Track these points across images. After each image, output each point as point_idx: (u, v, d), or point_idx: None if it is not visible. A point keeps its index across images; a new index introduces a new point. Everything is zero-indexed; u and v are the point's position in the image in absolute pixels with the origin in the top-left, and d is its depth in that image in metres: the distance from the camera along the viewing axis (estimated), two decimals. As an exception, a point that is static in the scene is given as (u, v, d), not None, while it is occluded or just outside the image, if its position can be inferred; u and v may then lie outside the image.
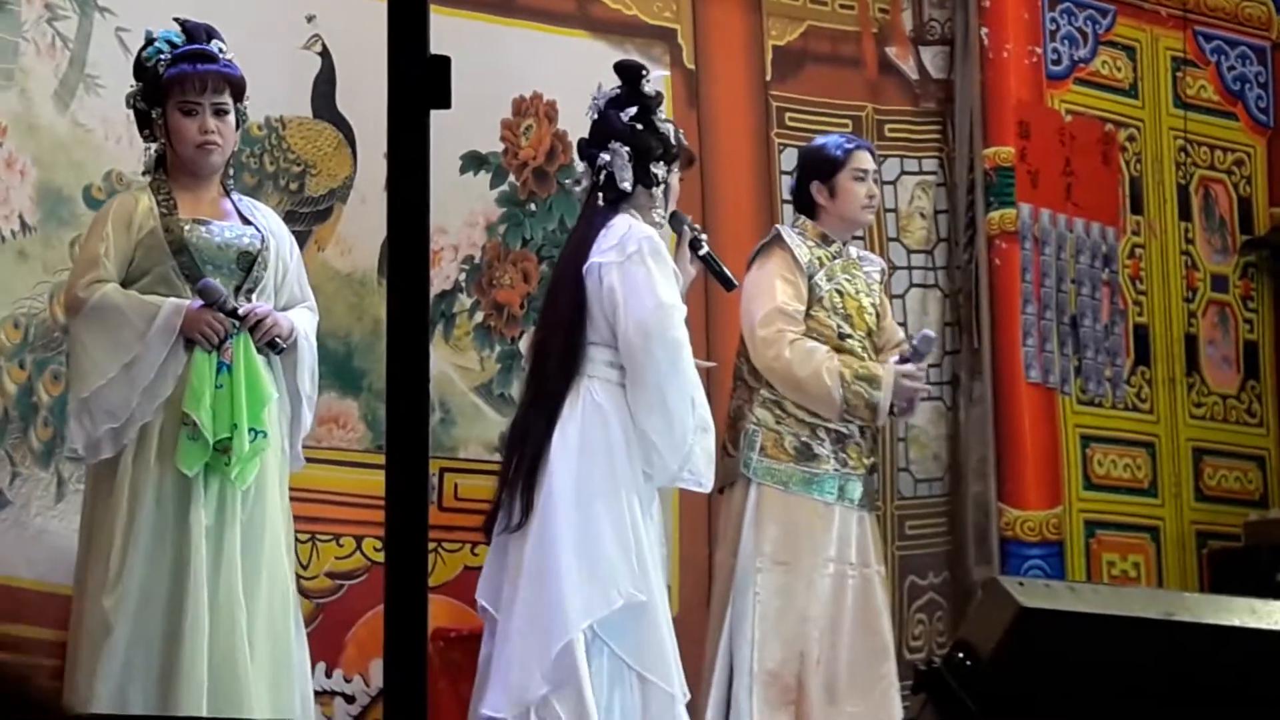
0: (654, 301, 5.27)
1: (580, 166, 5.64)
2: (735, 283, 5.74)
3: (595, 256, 5.36)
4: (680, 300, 5.38)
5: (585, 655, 5.10)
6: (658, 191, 5.51)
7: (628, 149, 5.46)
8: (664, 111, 5.63)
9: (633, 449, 5.28)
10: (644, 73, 5.59)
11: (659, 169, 5.50)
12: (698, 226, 5.74)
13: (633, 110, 5.52)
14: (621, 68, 5.64)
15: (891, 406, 5.86)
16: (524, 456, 5.31)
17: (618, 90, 5.58)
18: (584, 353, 5.34)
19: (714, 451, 5.42)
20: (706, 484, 5.42)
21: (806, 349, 5.78)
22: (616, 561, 5.16)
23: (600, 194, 5.48)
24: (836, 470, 5.81)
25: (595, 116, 5.59)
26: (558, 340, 5.42)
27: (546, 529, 5.17)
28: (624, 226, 5.39)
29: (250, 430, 4.67)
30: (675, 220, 5.68)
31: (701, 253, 5.66)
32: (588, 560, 5.15)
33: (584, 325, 5.36)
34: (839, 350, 5.83)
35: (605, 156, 5.49)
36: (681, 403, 5.26)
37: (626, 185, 5.45)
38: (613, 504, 5.21)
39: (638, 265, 5.31)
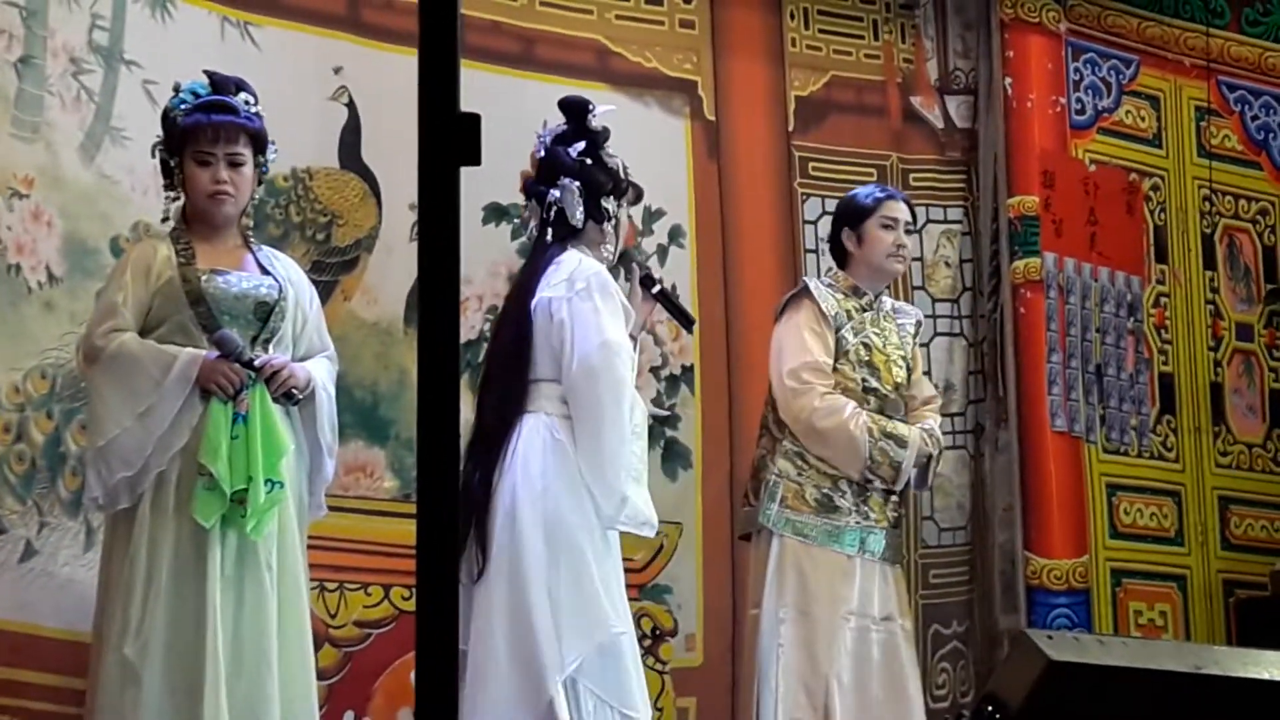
0: (600, 339, 5.14)
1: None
2: (693, 319, 5.69)
3: (544, 291, 5.24)
4: (628, 339, 5.26)
5: (567, 700, 5.02)
6: (608, 227, 5.40)
7: (578, 184, 5.35)
8: (611, 146, 5.50)
9: (565, 472, 5.15)
10: (590, 108, 5.47)
11: (609, 204, 5.40)
12: (648, 265, 5.68)
13: (580, 145, 5.41)
14: (565, 104, 5.51)
15: (909, 480, 5.85)
16: (470, 504, 5.16)
17: (564, 127, 5.47)
18: (525, 391, 5.21)
19: (648, 498, 5.24)
20: (650, 529, 5.25)
21: (836, 403, 5.76)
22: (599, 598, 5.05)
23: (550, 231, 5.37)
24: (858, 523, 5.78)
25: (541, 154, 5.48)
26: (497, 378, 5.33)
27: (518, 575, 5.02)
28: (573, 262, 5.27)
29: (267, 481, 4.65)
30: (625, 259, 5.61)
31: (655, 290, 5.55)
32: (567, 604, 5.02)
33: (527, 363, 5.23)
34: (863, 404, 5.82)
35: (555, 193, 5.35)
36: (616, 445, 5.11)
37: (578, 221, 5.34)
38: (586, 539, 5.08)
39: (585, 301, 5.18)
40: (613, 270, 5.44)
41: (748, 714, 5.80)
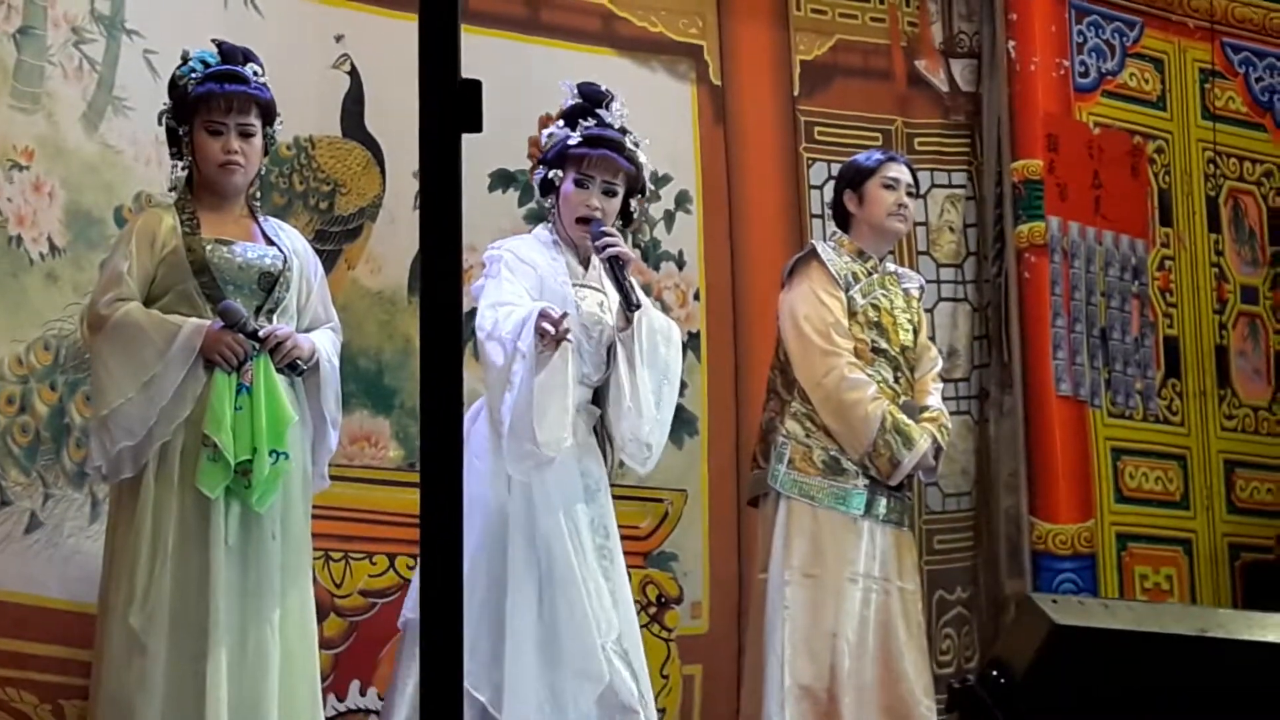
0: (479, 314, 5.12)
1: None
2: (636, 303, 5.25)
3: None
4: (512, 298, 5.11)
5: None
6: (548, 201, 5.38)
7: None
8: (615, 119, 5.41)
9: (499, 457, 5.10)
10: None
11: (535, 176, 5.42)
12: (608, 238, 5.23)
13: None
14: None
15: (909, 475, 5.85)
16: None
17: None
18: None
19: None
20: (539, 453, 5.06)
21: (862, 380, 5.76)
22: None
23: None
24: (865, 485, 5.79)
25: None
26: None
27: None
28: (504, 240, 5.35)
29: (271, 452, 4.65)
30: (592, 228, 5.32)
31: (603, 255, 5.23)
32: None
33: None
34: (871, 364, 5.82)
35: None
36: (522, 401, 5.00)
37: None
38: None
39: (477, 283, 5.23)
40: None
41: (752, 680, 5.81)
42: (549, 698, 5.02)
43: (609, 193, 5.33)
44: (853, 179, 6.04)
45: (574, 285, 5.27)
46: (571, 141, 5.32)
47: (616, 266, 5.22)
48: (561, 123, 5.39)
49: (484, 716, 4.98)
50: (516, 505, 5.09)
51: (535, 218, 6.37)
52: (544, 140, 5.42)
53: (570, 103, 5.42)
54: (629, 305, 5.23)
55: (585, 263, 5.36)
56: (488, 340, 5.07)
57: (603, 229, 5.25)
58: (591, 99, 5.40)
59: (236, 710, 4.60)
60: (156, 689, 4.56)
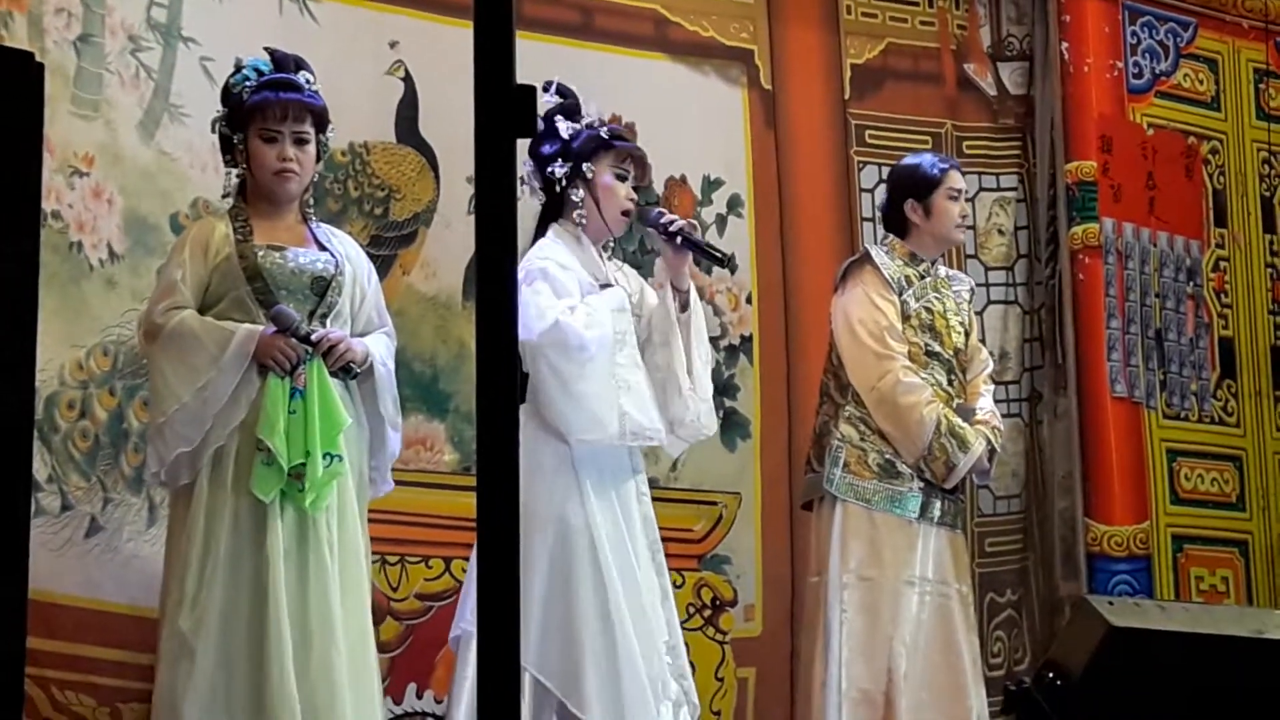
0: (533, 328, 4.98)
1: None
2: (726, 256, 5.29)
3: None
4: (559, 310, 5.05)
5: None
6: (574, 194, 5.24)
7: (530, 165, 5.28)
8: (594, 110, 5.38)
9: (545, 465, 5.07)
10: (546, 87, 5.30)
11: (556, 168, 5.22)
12: (669, 216, 5.27)
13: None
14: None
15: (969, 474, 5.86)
16: None
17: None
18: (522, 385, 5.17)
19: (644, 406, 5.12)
20: (652, 440, 5.14)
21: (916, 383, 5.76)
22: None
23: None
24: (920, 488, 5.79)
25: None
26: None
27: None
28: (533, 251, 5.22)
29: (325, 455, 4.67)
30: (641, 216, 5.33)
31: (679, 241, 5.22)
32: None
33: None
34: (925, 368, 5.82)
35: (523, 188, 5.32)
36: (587, 393, 5.02)
37: (538, 201, 5.30)
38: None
39: (525, 292, 5.01)
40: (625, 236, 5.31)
41: (806, 682, 5.81)
42: (616, 700, 5.03)
43: (636, 188, 5.35)
44: (917, 189, 5.99)
45: (599, 284, 5.23)
46: (605, 135, 5.32)
47: (690, 236, 5.23)
48: (560, 117, 5.31)
49: (562, 711, 5.00)
50: (574, 507, 5.07)
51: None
52: (565, 133, 5.32)
53: (553, 100, 5.30)
54: (720, 263, 5.30)
55: (605, 251, 5.36)
56: (560, 351, 5.02)
57: (658, 210, 5.29)
58: (573, 96, 5.36)
59: (311, 711, 4.61)
60: (203, 693, 4.58)
